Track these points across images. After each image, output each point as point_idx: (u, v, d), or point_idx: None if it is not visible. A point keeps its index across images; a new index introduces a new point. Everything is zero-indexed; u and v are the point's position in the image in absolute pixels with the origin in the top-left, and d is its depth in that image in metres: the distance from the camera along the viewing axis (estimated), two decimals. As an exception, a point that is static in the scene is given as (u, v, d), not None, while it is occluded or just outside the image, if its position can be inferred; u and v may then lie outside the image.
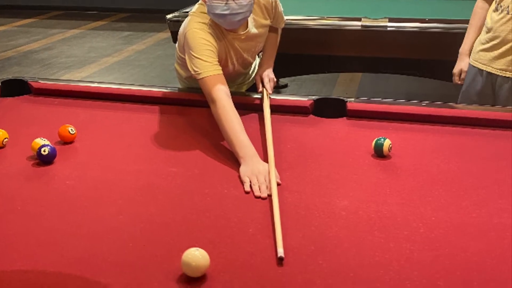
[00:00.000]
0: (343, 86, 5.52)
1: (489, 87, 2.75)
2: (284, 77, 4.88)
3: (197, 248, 1.38)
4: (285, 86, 5.45)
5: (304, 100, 2.42)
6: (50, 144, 2.01)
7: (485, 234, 1.53)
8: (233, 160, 1.97)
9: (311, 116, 2.38)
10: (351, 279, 1.35)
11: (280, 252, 1.43)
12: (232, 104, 2.09)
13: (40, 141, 2.02)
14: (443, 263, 1.41)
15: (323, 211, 1.66)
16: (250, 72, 2.65)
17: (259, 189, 1.78)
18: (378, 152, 2.00)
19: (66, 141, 2.15)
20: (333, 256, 1.45)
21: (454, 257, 1.43)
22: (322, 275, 1.37)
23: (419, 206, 1.67)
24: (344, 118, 2.34)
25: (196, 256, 1.36)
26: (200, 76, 2.15)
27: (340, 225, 1.59)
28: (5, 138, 2.11)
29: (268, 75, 2.45)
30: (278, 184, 1.80)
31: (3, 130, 2.12)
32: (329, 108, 2.38)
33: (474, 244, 1.49)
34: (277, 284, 1.34)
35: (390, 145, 1.98)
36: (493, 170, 1.89)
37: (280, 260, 1.42)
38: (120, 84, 2.73)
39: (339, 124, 2.30)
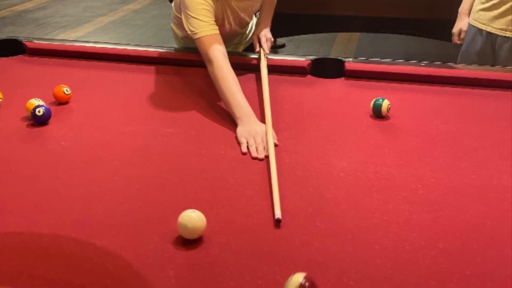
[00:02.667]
0: (341, 46, 5.46)
1: (489, 47, 2.71)
2: (281, 36, 4.83)
3: (194, 210, 1.36)
4: (283, 46, 5.39)
5: (301, 60, 2.38)
6: (44, 105, 1.97)
7: (484, 195, 1.51)
8: (230, 121, 1.94)
9: (309, 76, 2.34)
10: (349, 241, 1.33)
11: (278, 214, 1.41)
12: (229, 64, 2.05)
13: (34, 101, 1.98)
14: (442, 224, 1.39)
15: (321, 172, 1.64)
16: (247, 32, 2.60)
17: (256, 150, 1.75)
18: (377, 113, 1.96)
19: (61, 102, 2.11)
20: (331, 218, 1.43)
21: (453, 219, 1.41)
22: (320, 237, 1.35)
23: (418, 168, 1.65)
24: (342, 78, 2.31)
25: (193, 218, 1.34)
26: (197, 36, 2.10)
27: (338, 186, 1.57)
28: (0, 99, 2.08)
29: (265, 34, 2.40)
30: (276, 145, 1.77)
31: (-3, 91, 2.09)
32: (327, 68, 2.33)
33: (474, 205, 1.47)
34: (274, 246, 1.32)
35: (389, 106, 1.95)
36: (493, 131, 1.86)
37: (277, 222, 1.40)
38: (115, 44, 2.67)
39: (337, 85, 2.26)
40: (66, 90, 2.10)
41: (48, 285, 1.20)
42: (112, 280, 1.22)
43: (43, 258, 1.30)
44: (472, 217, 1.42)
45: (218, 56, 2.05)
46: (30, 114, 1.95)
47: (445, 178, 1.59)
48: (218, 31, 2.12)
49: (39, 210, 1.47)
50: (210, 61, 2.06)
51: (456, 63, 2.73)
